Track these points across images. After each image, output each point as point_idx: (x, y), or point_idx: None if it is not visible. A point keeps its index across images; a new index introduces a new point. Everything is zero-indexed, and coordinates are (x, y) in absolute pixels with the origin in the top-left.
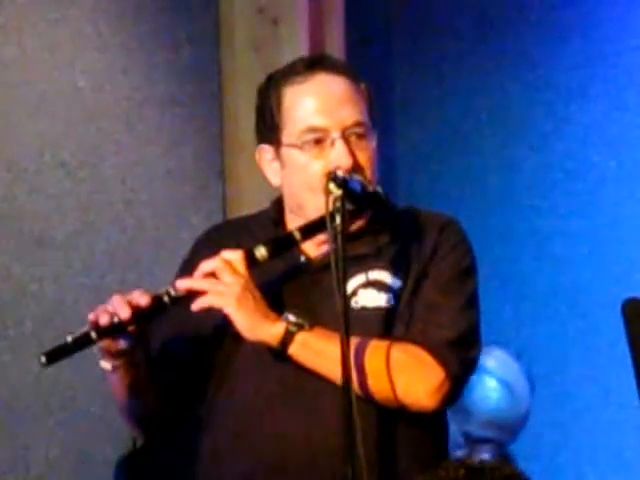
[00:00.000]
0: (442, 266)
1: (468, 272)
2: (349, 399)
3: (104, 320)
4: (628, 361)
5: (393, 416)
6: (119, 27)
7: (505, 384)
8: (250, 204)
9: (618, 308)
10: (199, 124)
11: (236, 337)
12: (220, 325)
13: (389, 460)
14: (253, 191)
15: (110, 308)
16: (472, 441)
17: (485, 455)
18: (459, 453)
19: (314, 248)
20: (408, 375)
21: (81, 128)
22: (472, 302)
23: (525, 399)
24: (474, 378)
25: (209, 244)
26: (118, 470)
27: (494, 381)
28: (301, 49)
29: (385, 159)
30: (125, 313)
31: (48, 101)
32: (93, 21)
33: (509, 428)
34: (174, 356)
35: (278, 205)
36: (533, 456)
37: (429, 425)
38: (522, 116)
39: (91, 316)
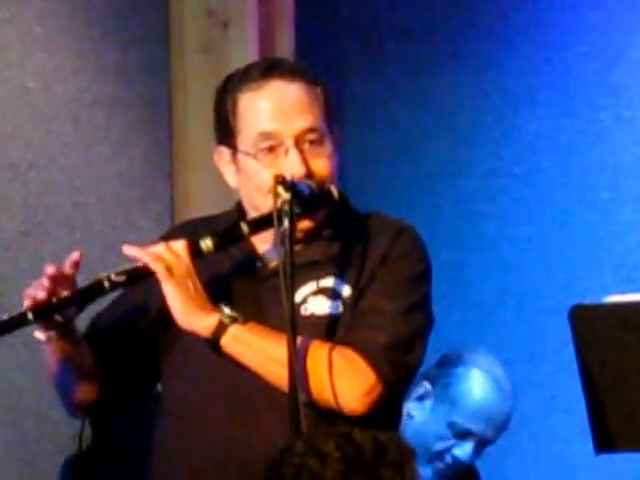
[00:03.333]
0: (390, 272)
1: (417, 279)
2: (296, 404)
3: (42, 300)
4: (574, 367)
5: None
6: (68, 28)
7: (494, 378)
8: (198, 207)
9: (564, 314)
10: (148, 126)
11: (178, 328)
12: (165, 314)
13: None
14: (201, 194)
15: (48, 287)
16: (456, 433)
17: (467, 446)
18: (440, 445)
19: (268, 249)
20: (340, 377)
21: (29, 129)
22: (417, 308)
23: (511, 399)
24: (462, 370)
25: (173, 238)
26: (64, 471)
27: (483, 373)
28: (251, 52)
29: None
30: (63, 294)
31: None
32: (42, 22)
33: (495, 423)
34: (122, 337)
35: (241, 206)
36: (479, 461)
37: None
38: (471, 122)
39: (29, 294)
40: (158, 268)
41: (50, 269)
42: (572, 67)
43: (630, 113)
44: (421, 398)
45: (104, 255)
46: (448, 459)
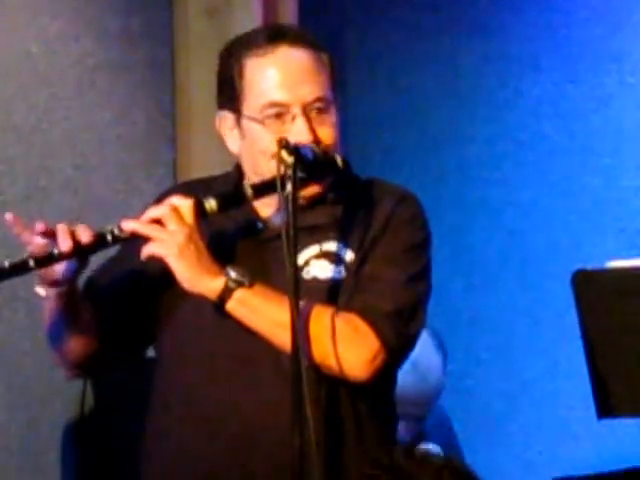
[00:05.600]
0: (392, 239)
1: (419, 247)
2: (298, 368)
3: (42, 249)
4: (576, 332)
5: (339, 394)
6: None
7: (410, 363)
8: (201, 171)
9: (567, 280)
10: (151, 90)
11: (183, 288)
12: (167, 273)
13: (334, 436)
14: (204, 158)
15: (48, 237)
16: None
17: (407, 431)
18: None
19: (271, 214)
20: (344, 344)
21: (32, 93)
22: (419, 277)
23: (433, 370)
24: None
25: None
26: (65, 435)
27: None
28: (255, 17)
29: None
30: (65, 245)
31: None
32: None
33: (421, 402)
34: (118, 297)
35: (240, 169)
36: (482, 426)
37: (376, 408)
38: (474, 87)
39: (32, 242)
40: (154, 249)
41: (39, 226)
42: (576, 32)
43: (634, 79)
44: None
45: (107, 219)
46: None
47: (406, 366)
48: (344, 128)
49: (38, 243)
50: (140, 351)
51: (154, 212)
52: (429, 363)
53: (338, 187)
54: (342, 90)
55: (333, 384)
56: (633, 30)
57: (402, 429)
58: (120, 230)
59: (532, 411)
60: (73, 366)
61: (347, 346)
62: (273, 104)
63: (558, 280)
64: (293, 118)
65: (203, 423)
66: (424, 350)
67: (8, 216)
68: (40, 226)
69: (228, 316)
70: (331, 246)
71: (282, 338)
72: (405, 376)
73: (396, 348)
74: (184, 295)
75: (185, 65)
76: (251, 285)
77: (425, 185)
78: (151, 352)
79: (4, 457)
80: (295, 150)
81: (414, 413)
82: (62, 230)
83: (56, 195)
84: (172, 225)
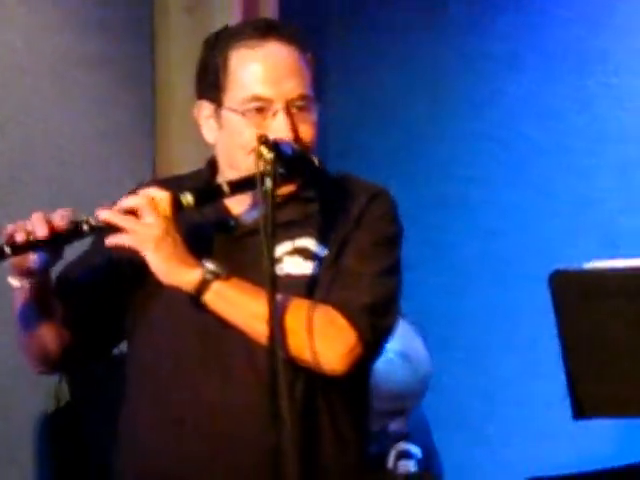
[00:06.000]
0: (364, 234)
1: (390, 242)
2: (274, 362)
3: (20, 236)
4: (553, 333)
5: (314, 388)
6: None
7: (401, 355)
8: (180, 165)
9: (544, 280)
10: (131, 84)
11: (157, 280)
12: (142, 265)
13: (310, 431)
14: (184, 152)
15: (28, 225)
16: (381, 415)
17: (395, 426)
18: (376, 427)
19: (243, 211)
20: (321, 336)
21: (12, 86)
22: (392, 271)
23: (423, 362)
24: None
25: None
26: (39, 427)
27: (391, 355)
28: (234, 11)
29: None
30: (42, 232)
31: None
32: None
33: (414, 395)
34: (90, 290)
35: (212, 165)
36: (461, 426)
37: (351, 401)
38: (454, 85)
39: (8, 230)
40: (129, 241)
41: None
42: (557, 32)
43: (616, 79)
44: None
45: (86, 213)
46: (389, 435)
47: (397, 359)
48: (323, 127)
49: (16, 227)
50: (112, 347)
51: (130, 202)
52: (418, 355)
53: (311, 184)
54: (321, 86)
55: (308, 378)
56: (615, 31)
57: (394, 424)
58: (95, 219)
59: (511, 411)
60: (42, 361)
61: (323, 339)
62: (256, 98)
63: (536, 280)
64: (274, 114)
65: (174, 422)
66: (413, 342)
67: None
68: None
69: (204, 309)
70: (305, 242)
71: (258, 330)
72: (397, 369)
73: (372, 341)
74: (157, 290)
75: (165, 60)
76: (228, 277)
77: (404, 184)
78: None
79: None
80: (275, 146)
81: (406, 406)
82: (38, 217)
83: (35, 189)
84: (148, 217)
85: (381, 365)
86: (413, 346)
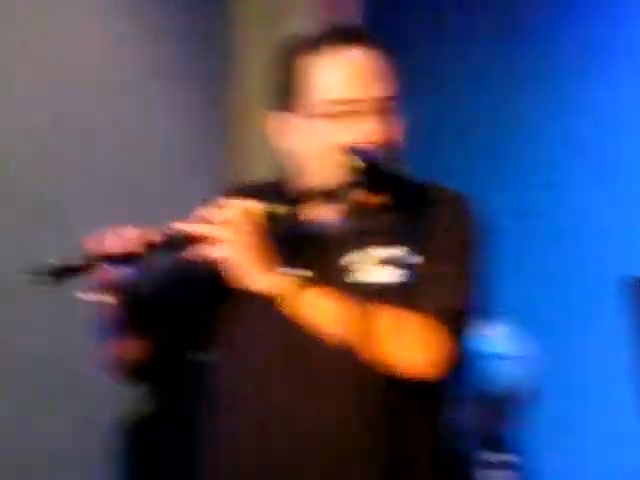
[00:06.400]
0: (450, 240)
1: (475, 247)
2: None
3: (113, 249)
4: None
5: (400, 393)
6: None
7: (504, 357)
8: (257, 175)
9: (622, 285)
10: (208, 93)
11: (243, 293)
12: (228, 277)
13: (396, 438)
14: (260, 162)
15: (118, 238)
16: (486, 416)
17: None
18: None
19: (331, 218)
20: (409, 342)
21: (88, 94)
22: (479, 276)
23: (533, 367)
24: (483, 362)
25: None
26: (121, 437)
27: (504, 355)
28: (314, 19)
29: None
30: (132, 245)
31: (55, 68)
32: None
33: (517, 396)
34: (177, 300)
35: (294, 173)
36: (544, 431)
37: (436, 406)
38: (532, 93)
39: (101, 242)
40: (227, 242)
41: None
42: (630, 39)
43: None
44: None
45: (162, 222)
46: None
47: (510, 360)
48: (406, 130)
49: (109, 240)
50: (195, 356)
51: (224, 213)
52: (529, 359)
53: (399, 193)
54: (405, 91)
55: (396, 385)
56: None
57: (495, 428)
58: (188, 230)
59: (592, 416)
60: (124, 371)
61: (412, 345)
62: (337, 101)
63: (614, 286)
64: (360, 117)
65: (261, 433)
66: (524, 346)
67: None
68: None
69: (288, 315)
70: (392, 250)
71: (344, 337)
72: (508, 369)
73: (458, 346)
74: (244, 301)
75: (242, 67)
76: (315, 284)
77: (481, 190)
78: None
79: (58, 459)
80: (360, 155)
81: (510, 410)
82: (130, 231)
83: (112, 199)
84: (240, 227)
85: (493, 364)
86: (524, 350)
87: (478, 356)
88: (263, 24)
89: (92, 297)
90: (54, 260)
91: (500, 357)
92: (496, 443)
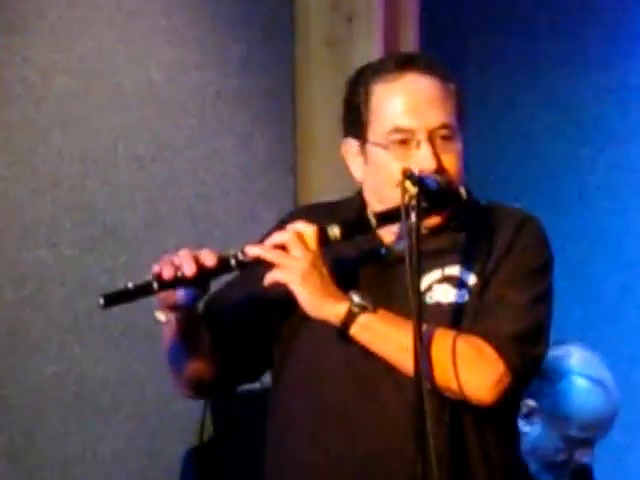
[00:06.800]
0: (514, 262)
1: (541, 270)
2: (420, 394)
3: (168, 272)
4: None
5: (462, 416)
6: (194, 21)
7: (597, 381)
8: (321, 200)
9: None
10: (272, 119)
11: (304, 313)
12: (290, 297)
13: (459, 460)
14: (324, 188)
15: (176, 261)
16: (575, 444)
17: (589, 450)
18: (562, 456)
19: (394, 241)
20: (469, 366)
21: (154, 121)
22: (541, 299)
23: (616, 392)
24: (565, 384)
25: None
26: (185, 463)
27: (585, 381)
28: (375, 46)
29: None
30: (190, 269)
31: (122, 94)
32: (167, 15)
33: (608, 424)
34: (239, 322)
35: (362, 195)
36: (599, 457)
37: (500, 428)
38: (595, 117)
39: (155, 267)
40: (277, 276)
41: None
42: None
43: None
44: (527, 415)
45: (227, 248)
46: (571, 465)
47: (593, 385)
48: (463, 156)
49: (164, 264)
50: (257, 376)
51: (278, 237)
52: (611, 383)
53: (460, 213)
54: (465, 120)
55: (456, 408)
56: None
57: (578, 454)
58: (243, 255)
59: None
60: (191, 388)
61: (472, 369)
62: (398, 129)
63: None
64: (418, 144)
65: (330, 447)
66: (604, 371)
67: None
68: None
69: (351, 341)
70: (454, 270)
71: (405, 362)
72: (592, 395)
73: (521, 371)
74: (304, 323)
75: (306, 95)
76: (375, 309)
77: (544, 214)
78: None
79: None
80: (419, 180)
81: (595, 436)
82: (186, 254)
83: (177, 224)
84: (296, 251)
85: (576, 390)
86: (605, 375)
87: (567, 380)
88: (326, 46)
89: (161, 317)
90: (128, 284)
91: (593, 381)
92: (582, 475)
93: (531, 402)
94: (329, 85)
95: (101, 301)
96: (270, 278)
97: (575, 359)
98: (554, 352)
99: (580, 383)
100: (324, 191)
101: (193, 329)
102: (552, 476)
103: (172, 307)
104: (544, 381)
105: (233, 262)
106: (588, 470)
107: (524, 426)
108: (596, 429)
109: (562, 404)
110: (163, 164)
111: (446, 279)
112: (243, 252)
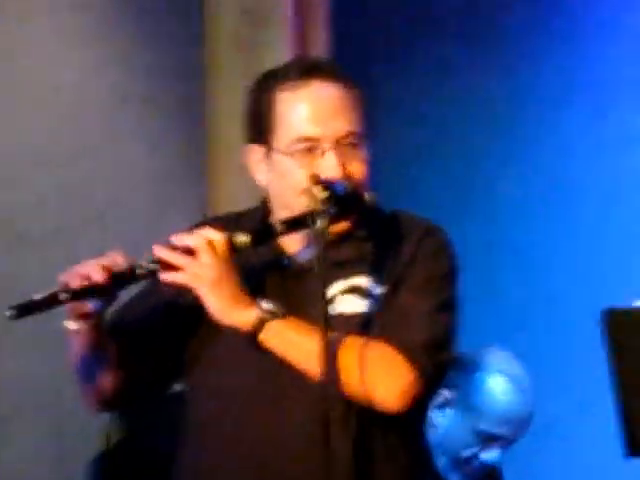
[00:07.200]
0: (420, 271)
1: (445, 278)
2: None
3: (75, 282)
4: (604, 371)
5: (369, 420)
6: (102, 24)
7: (513, 379)
8: (231, 204)
9: (595, 318)
10: (182, 124)
11: (214, 321)
12: (199, 305)
13: (364, 463)
14: (234, 193)
15: (83, 271)
16: (483, 439)
17: (495, 450)
18: (468, 452)
19: (298, 250)
20: (378, 374)
21: (63, 126)
22: (447, 307)
23: (531, 396)
24: (481, 375)
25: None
26: (92, 468)
27: (502, 377)
28: (285, 51)
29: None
30: (97, 277)
31: (30, 98)
32: (75, 18)
33: (520, 424)
34: (147, 332)
35: (266, 204)
36: (507, 462)
37: (405, 430)
38: (503, 122)
39: (62, 277)
40: (185, 279)
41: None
42: (609, 66)
43: None
44: (441, 406)
45: (138, 253)
46: (476, 464)
47: (510, 382)
48: (372, 160)
49: (71, 274)
50: (167, 386)
51: (187, 240)
52: (528, 387)
53: (365, 222)
54: (370, 122)
55: (363, 414)
56: None
57: (485, 454)
58: (152, 262)
59: (559, 448)
60: (100, 401)
61: (381, 377)
62: (304, 138)
63: (586, 318)
64: (323, 153)
65: (236, 457)
66: (523, 374)
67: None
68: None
69: (260, 348)
70: (359, 281)
71: (314, 369)
72: (507, 392)
73: (429, 378)
74: (215, 329)
75: (216, 100)
76: (284, 316)
77: (450, 223)
78: (176, 387)
79: None
80: (327, 186)
81: (504, 435)
82: (93, 264)
83: (87, 229)
84: (205, 257)
85: (491, 384)
86: (523, 377)
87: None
88: (237, 54)
89: (72, 326)
90: (35, 295)
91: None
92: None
93: (446, 393)
94: (239, 90)
95: (9, 313)
96: (174, 278)
97: (495, 356)
98: (476, 351)
99: (495, 378)
100: (235, 196)
101: (101, 337)
102: (459, 475)
103: (81, 316)
104: (461, 373)
105: (140, 271)
106: (498, 473)
107: (437, 417)
108: (506, 427)
109: (475, 396)
110: (71, 169)
111: (351, 289)
112: (151, 256)
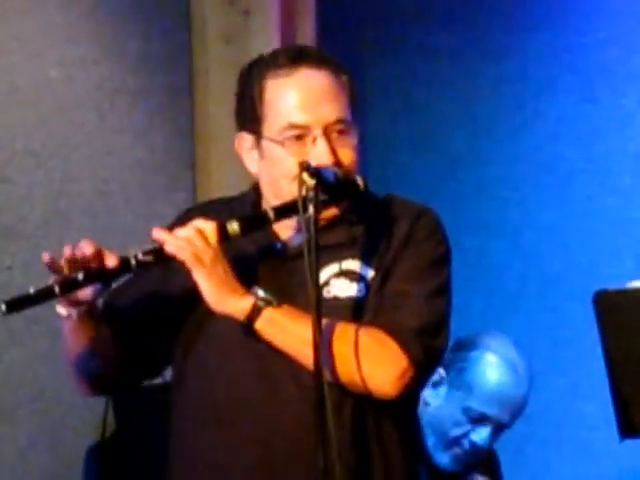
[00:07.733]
0: (412, 255)
1: (439, 262)
2: (320, 386)
3: (68, 275)
4: (596, 353)
5: (363, 411)
6: (90, 17)
7: (508, 361)
8: (220, 194)
9: (587, 300)
10: (170, 115)
11: (207, 309)
12: (193, 294)
13: (357, 448)
14: (223, 182)
15: (78, 254)
16: (472, 418)
17: (484, 431)
18: (457, 431)
19: (290, 235)
20: (372, 360)
21: (52, 118)
22: (441, 291)
23: (526, 382)
24: (476, 354)
25: (191, 219)
26: (88, 458)
27: (496, 357)
28: (272, 40)
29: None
30: (90, 270)
31: (19, 91)
32: (63, 11)
33: (510, 407)
34: (139, 317)
35: (257, 191)
36: (500, 447)
37: (398, 415)
38: (492, 108)
39: (52, 263)
40: (186, 256)
41: (67, 250)
42: (593, 53)
43: None
44: (435, 384)
45: (127, 244)
46: (465, 444)
47: (506, 365)
48: (362, 149)
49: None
50: (158, 371)
51: (180, 232)
52: (525, 373)
53: (357, 207)
54: (359, 110)
55: (356, 401)
56: None
57: (476, 434)
58: (144, 254)
59: (552, 431)
60: (92, 386)
61: (374, 363)
62: (293, 126)
63: (578, 301)
64: (314, 140)
65: (232, 436)
66: (521, 359)
67: (45, 257)
68: (69, 250)
69: (255, 337)
70: (351, 264)
71: (309, 356)
72: (502, 373)
73: (424, 364)
74: (208, 316)
75: (204, 90)
76: (279, 304)
77: (443, 206)
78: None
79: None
80: (317, 173)
81: (496, 417)
82: (89, 245)
83: (76, 220)
84: (199, 243)
85: (484, 362)
86: (519, 361)
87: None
88: (224, 42)
89: (63, 311)
90: (30, 289)
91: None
92: (489, 461)
93: (441, 371)
94: (227, 80)
95: (3, 307)
96: (177, 252)
97: (493, 338)
98: (478, 332)
99: (490, 357)
100: (224, 185)
101: (94, 323)
102: (448, 456)
103: (74, 302)
104: (457, 351)
105: (133, 262)
106: (495, 457)
107: (429, 396)
108: (497, 407)
109: (466, 372)
110: (61, 161)
111: (344, 273)
112: (143, 252)
